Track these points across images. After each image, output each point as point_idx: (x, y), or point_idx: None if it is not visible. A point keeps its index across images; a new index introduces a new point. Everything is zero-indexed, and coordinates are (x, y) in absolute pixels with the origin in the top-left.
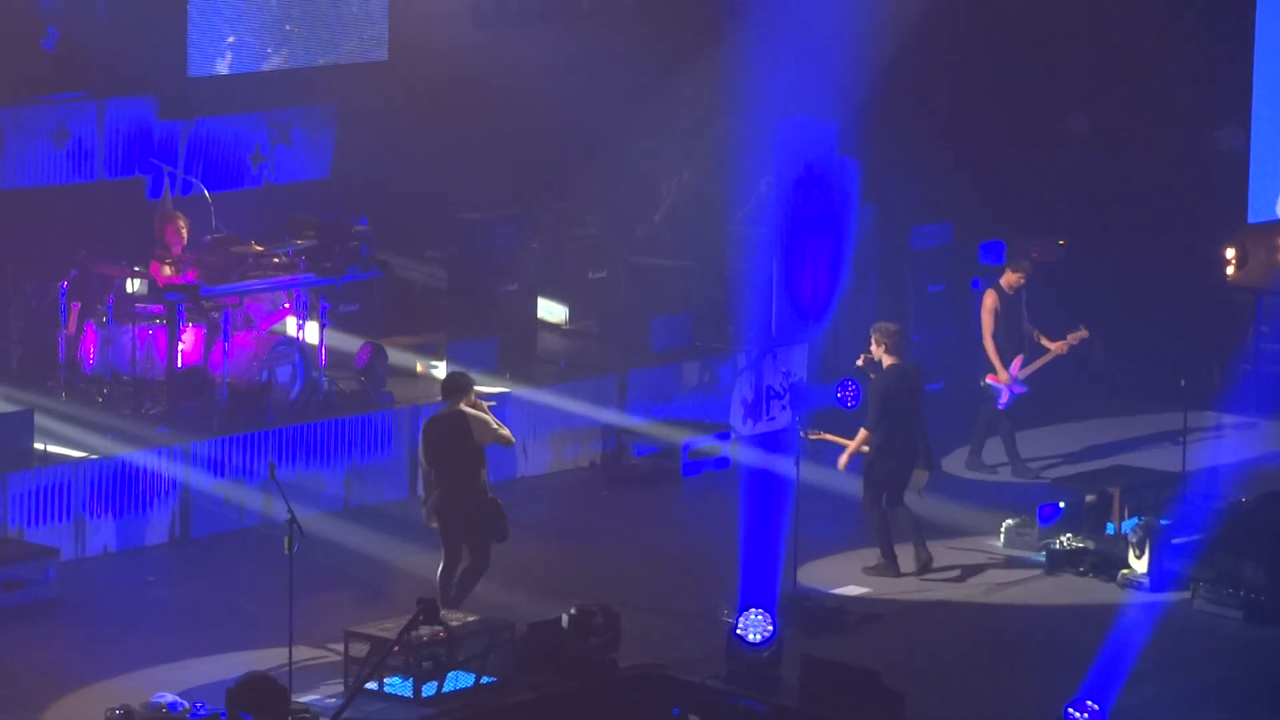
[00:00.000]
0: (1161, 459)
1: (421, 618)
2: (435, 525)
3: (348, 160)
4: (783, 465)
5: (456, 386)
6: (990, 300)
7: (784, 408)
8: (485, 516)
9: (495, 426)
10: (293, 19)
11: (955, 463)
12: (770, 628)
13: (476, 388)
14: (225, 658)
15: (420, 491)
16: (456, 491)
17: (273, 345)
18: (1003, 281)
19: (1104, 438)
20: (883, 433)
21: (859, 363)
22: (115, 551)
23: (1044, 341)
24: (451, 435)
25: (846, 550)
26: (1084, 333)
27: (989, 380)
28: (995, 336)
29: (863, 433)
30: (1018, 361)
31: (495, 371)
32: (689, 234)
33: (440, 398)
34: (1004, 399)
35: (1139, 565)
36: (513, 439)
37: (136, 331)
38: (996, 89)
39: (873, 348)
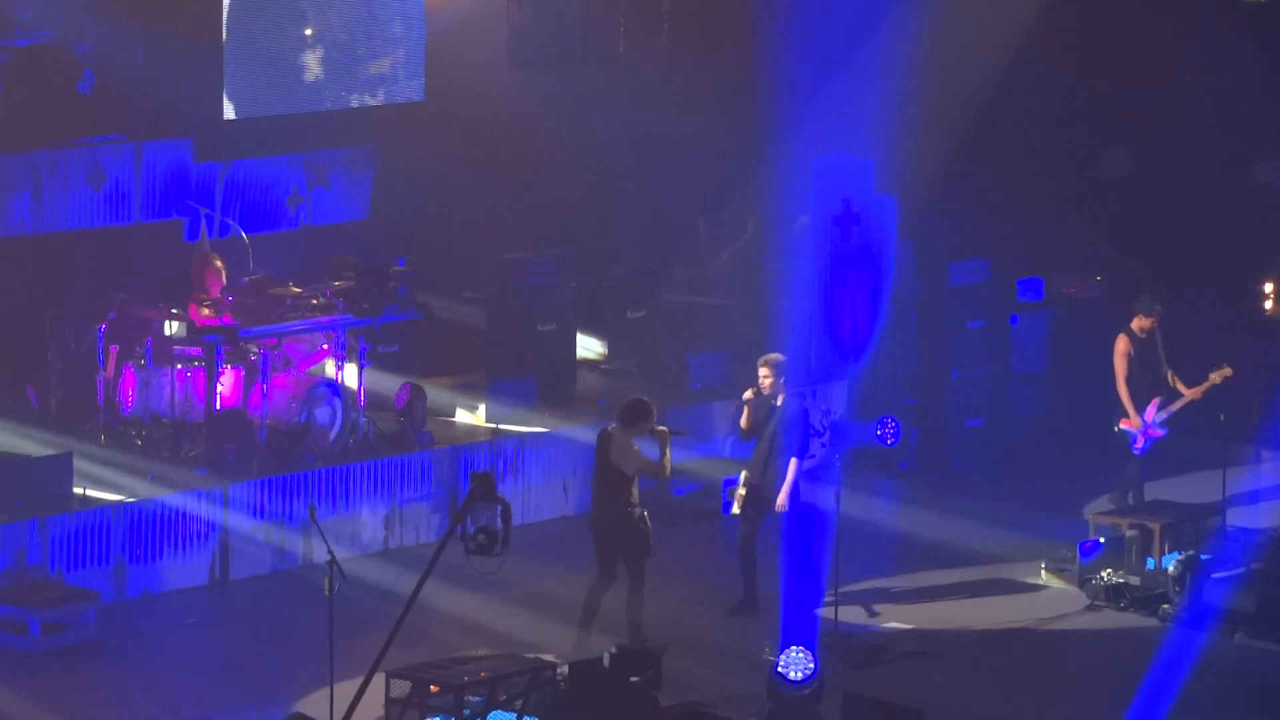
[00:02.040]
0: (1202, 493)
1: (479, 492)
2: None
3: (386, 201)
4: (823, 502)
5: (631, 414)
6: (1122, 344)
7: (824, 445)
8: (628, 533)
9: (645, 459)
10: (329, 60)
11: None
12: (812, 665)
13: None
14: (266, 699)
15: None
16: (600, 508)
17: (311, 386)
18: (1133, 325)
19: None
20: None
21: (748, 395)
22: (155, 594)
23: (1179, 387)
24: (603, 454)
25: (888, 586)
26: (1228, 370)
27: (1122, 425)
28: (1129, 380)
29: (795, 462)
30: (1154, 405)
31: (534, 410)
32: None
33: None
34: (1139, 444)
35: (1179, 601)
36: (666, 472)
37: (175, 374)
38: (1036, 125)
39: (769, 380)
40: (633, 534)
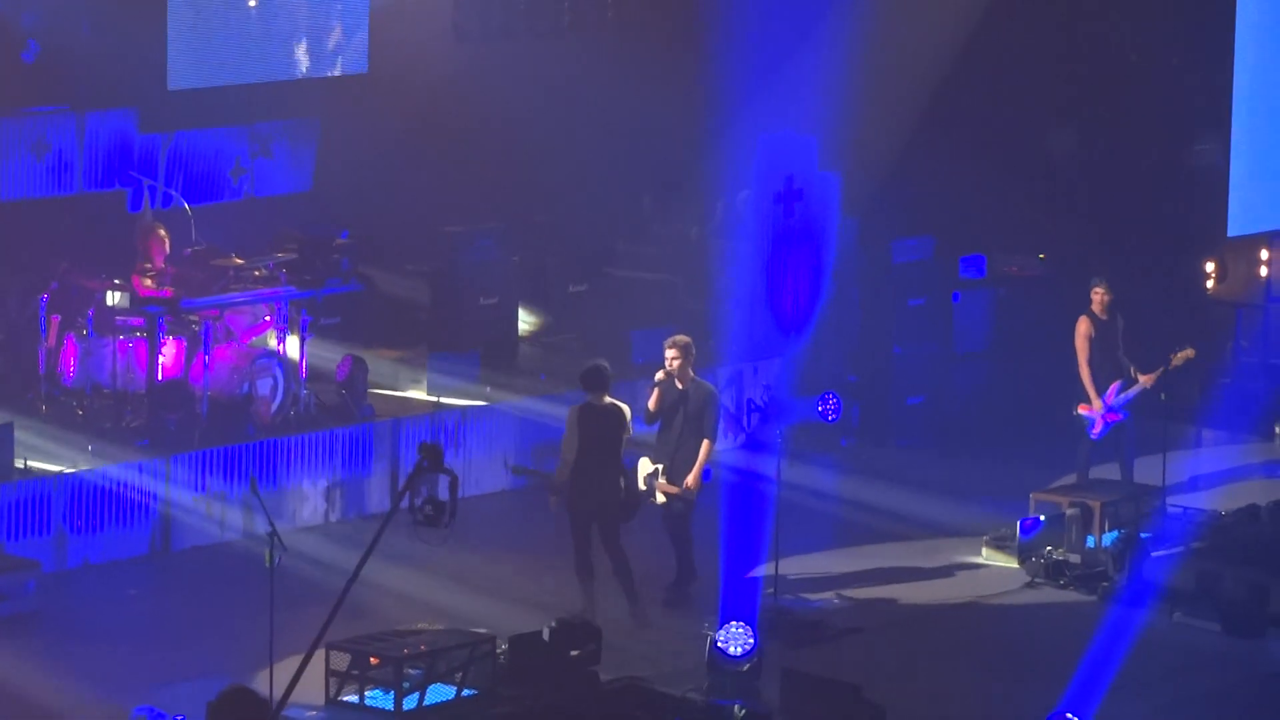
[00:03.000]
0: (1142, 473)
1: (427, 463)
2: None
3: (329, 173)
4: (763, 477)
5: (605, 379)
6: (1083, 326)
7: (761, 420)
8: (628, 507)
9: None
10: (273, 31)
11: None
12: (751, 640)
13: None
14: (205, 671)
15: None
16: (608, 483)
17: (253, 358)
18: (1093, 306)
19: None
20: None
21: (659, 376)
22: (95, 564)
23: (1137, 376)
24: (609, 429)
25: (828, 562)
26: (1190, 351)
27: (1081, 410)
28: (1090, 363)
29: (707, 445)
30: (1114, 388)
31: (476, 384)
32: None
33: (585, 389)
34: (1096, 428)
35: (1119, 579)
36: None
37: (117, 344)
38: (979, 103)
39: (677, 362)
40: (631, 507)
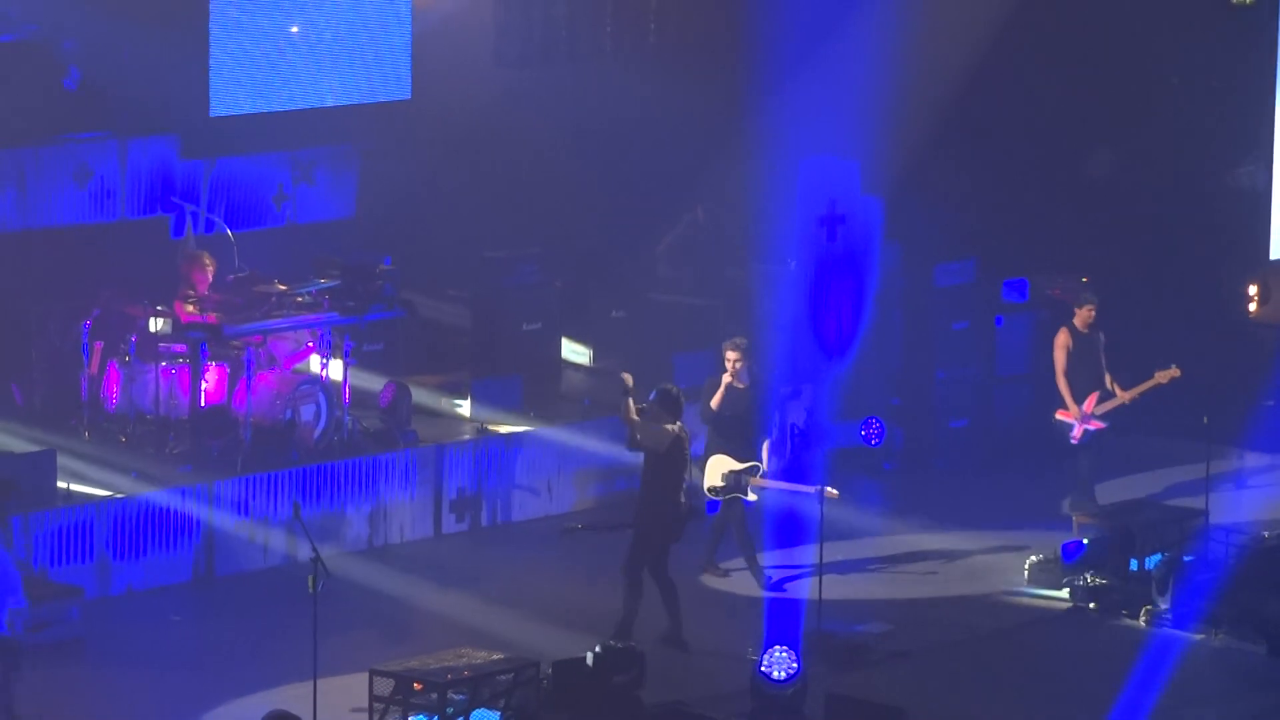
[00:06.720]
0: (1185, 496)
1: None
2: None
3: (371, 199)
4: (806, 501)
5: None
6: (1062, 338)
7: (800, 444)
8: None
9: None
10: (316, 57)
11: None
12: (795, 665)
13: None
14: (249, 697)
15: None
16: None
17: (296, 384)
18: (1075, 320)
19: (1127, 475)
20: None
21: (728, 379)
22: (139, 591)
23: (1115, 390)
24: (684, 452)
25: (871, 586)
26: (1175, 371)
27: (1059, 416)
28: (1068, 373)
29: (768, 444)
30: (1093, 398)
31: (519, 410)
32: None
33: (673, 415)
34: (1076, 434)
35: (1162, 602)
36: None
37: (160, 370)
38: (1020, 127)
39: (741, 364)
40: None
